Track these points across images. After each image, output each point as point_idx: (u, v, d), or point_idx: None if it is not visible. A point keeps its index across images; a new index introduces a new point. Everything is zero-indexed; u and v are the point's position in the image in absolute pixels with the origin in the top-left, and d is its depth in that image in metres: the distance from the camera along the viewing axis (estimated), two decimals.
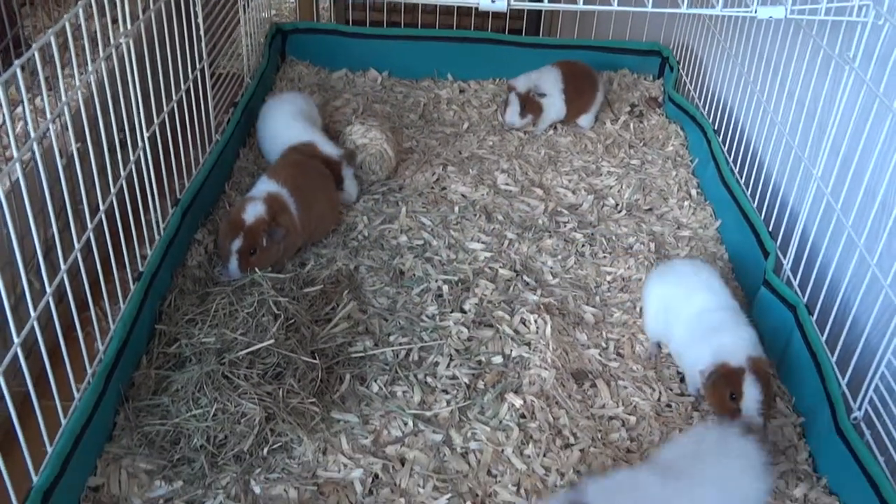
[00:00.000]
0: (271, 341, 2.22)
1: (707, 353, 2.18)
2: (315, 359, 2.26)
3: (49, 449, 1.82)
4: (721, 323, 2.27)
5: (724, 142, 3.27)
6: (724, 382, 2.11)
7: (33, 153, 1.79)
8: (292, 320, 2.35)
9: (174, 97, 2.66)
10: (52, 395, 1.85)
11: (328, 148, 3.04)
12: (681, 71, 3.94)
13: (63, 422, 1.90)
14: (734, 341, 2.18)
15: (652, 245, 2.94)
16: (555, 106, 3.64)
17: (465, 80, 4.13)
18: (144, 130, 2.39)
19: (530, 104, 3.59)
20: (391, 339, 2.46)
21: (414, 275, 2.72)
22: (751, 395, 2.08)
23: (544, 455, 2.13)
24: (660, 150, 3.59)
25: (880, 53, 2.18)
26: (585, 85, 3.69)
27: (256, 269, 2.52)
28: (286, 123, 3.15)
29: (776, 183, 2.84)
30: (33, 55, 1.69)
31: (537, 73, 3.65)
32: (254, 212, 2.57)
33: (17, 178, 1.68)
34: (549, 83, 3.61)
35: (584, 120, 3.72)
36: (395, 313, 2.56)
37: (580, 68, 3.75)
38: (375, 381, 2.32)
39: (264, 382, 2.15)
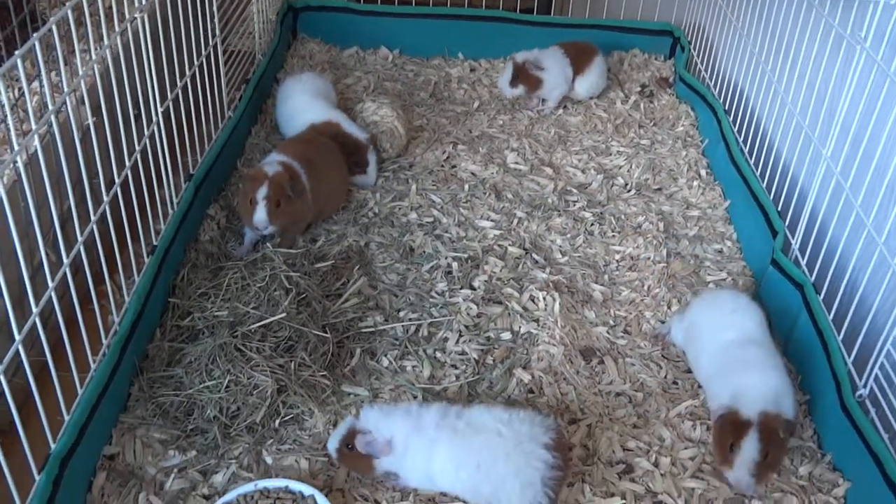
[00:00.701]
0: (283, 315, 2.25)
1: (727, 391, 2.05)
2: (326, 333, 2.30)
3: (66, 417, 1.86)
4: (748, 360, 2.13)
5: (734, 122, 3.27)
6: (728, 431, 1.98)
7: (50, 126, 1.81)
8: (304, 295, 2.38)
9: (187, 73, 2.68)
10: (68, 365, 1.88)
11: (353, 129, 3.05)
12: (692, 51, 3.93)
13: (80, 391, 1.93)
14: (756, 387, 2.02)
15: (661, 224, 2.96)
16: (558, 81, 3.65)
17: (475, 58, 4.14)
18: (158, 106, 2.41)
19: (524, 74, 3.60)
20: (401, 314, 2.49)
21: (424, 252, 2.75)
22: (747, 453, 1.94)
23: None
24: (670, 130, 3.59)
25: (892, 34, 2.18)
26: (586, 53, 3.73)
27: (280, 226, 2.61)
28: (307, 102, 3.16)
29: (786, 163, 2.85)
30: (50, 29, 1.71)
31: (540, 50, 3.67)
32: (273, 168, 2.60)
33: (36, 151, 1.70)
34: (550, 59, 3.63)
35: (580, 85, 3.74)
36: (405, 289, 2.58)
37: (581, 42, 3.80)
38: (385, 355, 2.35)
39: (276, 355, 2.18)
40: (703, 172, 3.30)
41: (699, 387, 2.32)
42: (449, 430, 1.91)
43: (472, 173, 3.21)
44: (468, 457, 1.88)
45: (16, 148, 1.57)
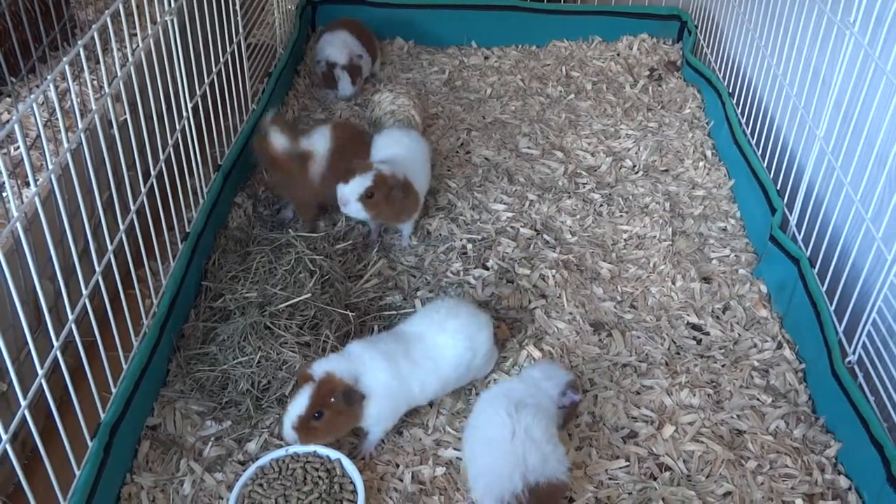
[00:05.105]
0: (308, 295, 2.42)
1: None
2: (349, 312, 2.46)
3: (113, 390, 2.03)
4: None
5: (739, 104, 3.38)
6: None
7: (93, 123, 1.98)
8: (327, 276, 2.55)
9: (214, 70, 2.84)
10: (114, 344, 2.06)
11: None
12: (699, 35, 4.03)
13: (124, 367, 2.11)
14: None
15: (667, 204, 3.08)
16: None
17: (488, 46, 4.26)
18: (188, 102, 2.57)
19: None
20: (419, 293, 2.64)
21: (440, 234, 2.90)
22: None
23: None
24: (677, 112, 3.71)
25: (877, 19, 2.29)
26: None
27: None
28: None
29: (784, 142, 2.97)
30: (92, 37, 1.87)
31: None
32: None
33: (80, 147, 1.87)
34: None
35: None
36: (423, 270, 2.74)
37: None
38: None
39: (303, 333, 2.35)
40: (708, 153, 3.42)
41: (700, 357, 2.46)
42: None
43: (486, 158, 3.35)
44: None
45: (65, 145, 1.73)
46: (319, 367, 2.06)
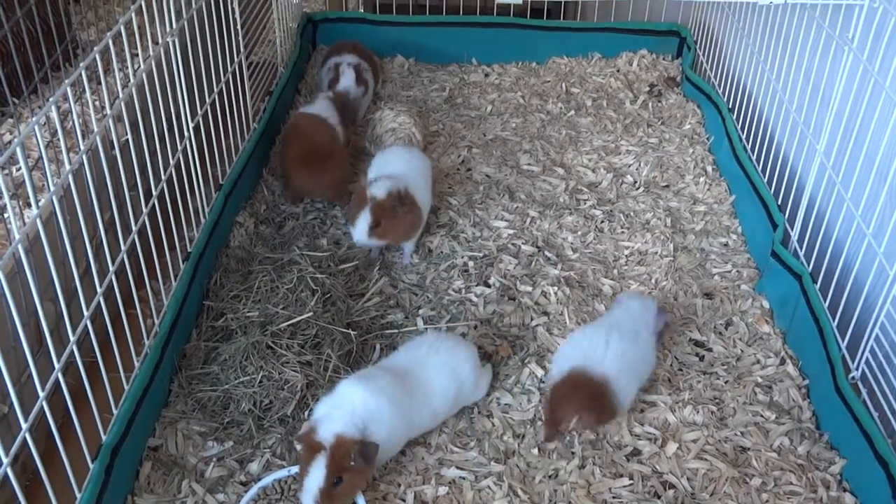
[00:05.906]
0: (310, 314, 2.41)
1: None
2: (350, 330, 2.45)
3: (115, 412, 2.03)
4: None
5: (739, 119, 3.39)
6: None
7: (95, 144, 1.98)
8: (329, 295, 2.54)
9: (215, 89, 2.85)
10: (115, 365, 2.05)
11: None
12: (698, 51, 4.05)
13: (126, 388, 2.10)
14: None
15: (668, 220, 3.08)
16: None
17: (489, 63, 4.27)
18: (189, 122, 2.58)
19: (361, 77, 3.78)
20: (420, 311, 2.64)
21: (441, 252, 2.90)
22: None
23: None
24: (677, 128, 3.71)
25: (875, 35, 2.30)
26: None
27: None
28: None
29: (785, 157, 2.97)
30: (94, 57, 1.88)
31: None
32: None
33: (83, 167, 1.87)
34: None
35: None
36: (424, 288, 2.74)
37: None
38: None
39: (305, 352, 2.34)
40: (709, 169, 3.42)
41: (703, 373, 2.45)
42: None
43: (487, 175, 3.35)
44: None
45: (67, 166, 1.74)
46: (326, 432, 1.92)
